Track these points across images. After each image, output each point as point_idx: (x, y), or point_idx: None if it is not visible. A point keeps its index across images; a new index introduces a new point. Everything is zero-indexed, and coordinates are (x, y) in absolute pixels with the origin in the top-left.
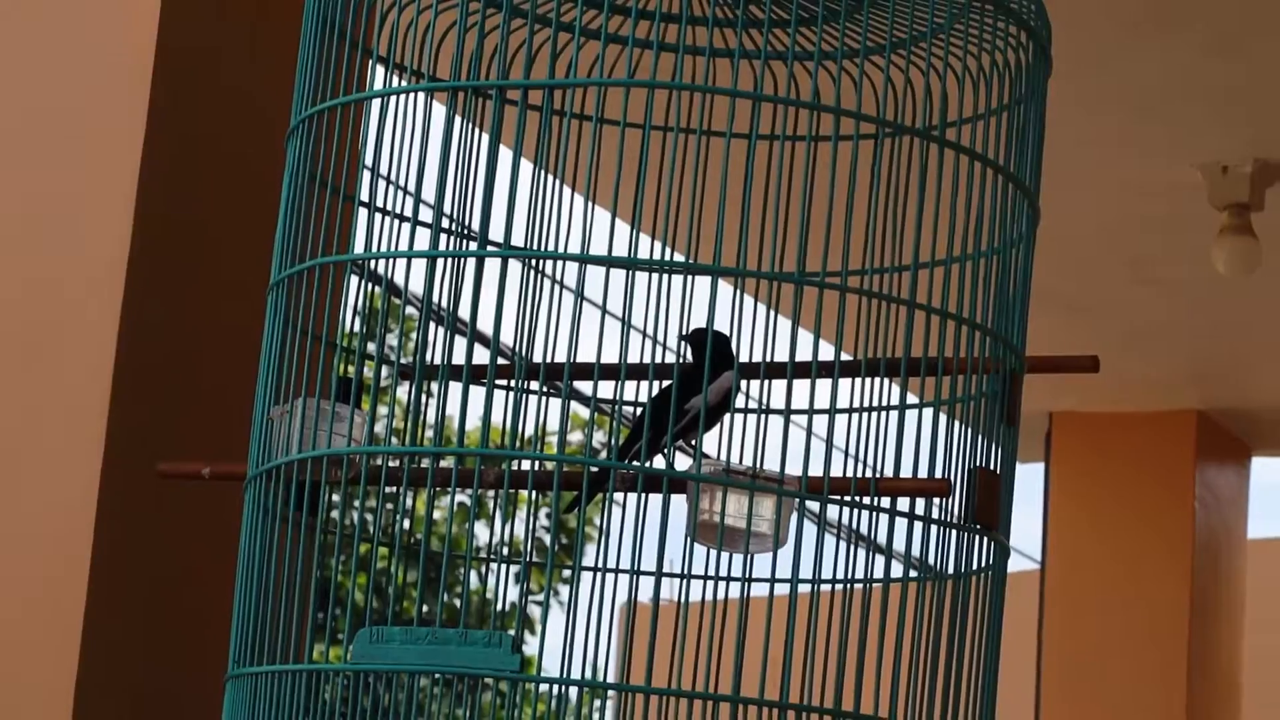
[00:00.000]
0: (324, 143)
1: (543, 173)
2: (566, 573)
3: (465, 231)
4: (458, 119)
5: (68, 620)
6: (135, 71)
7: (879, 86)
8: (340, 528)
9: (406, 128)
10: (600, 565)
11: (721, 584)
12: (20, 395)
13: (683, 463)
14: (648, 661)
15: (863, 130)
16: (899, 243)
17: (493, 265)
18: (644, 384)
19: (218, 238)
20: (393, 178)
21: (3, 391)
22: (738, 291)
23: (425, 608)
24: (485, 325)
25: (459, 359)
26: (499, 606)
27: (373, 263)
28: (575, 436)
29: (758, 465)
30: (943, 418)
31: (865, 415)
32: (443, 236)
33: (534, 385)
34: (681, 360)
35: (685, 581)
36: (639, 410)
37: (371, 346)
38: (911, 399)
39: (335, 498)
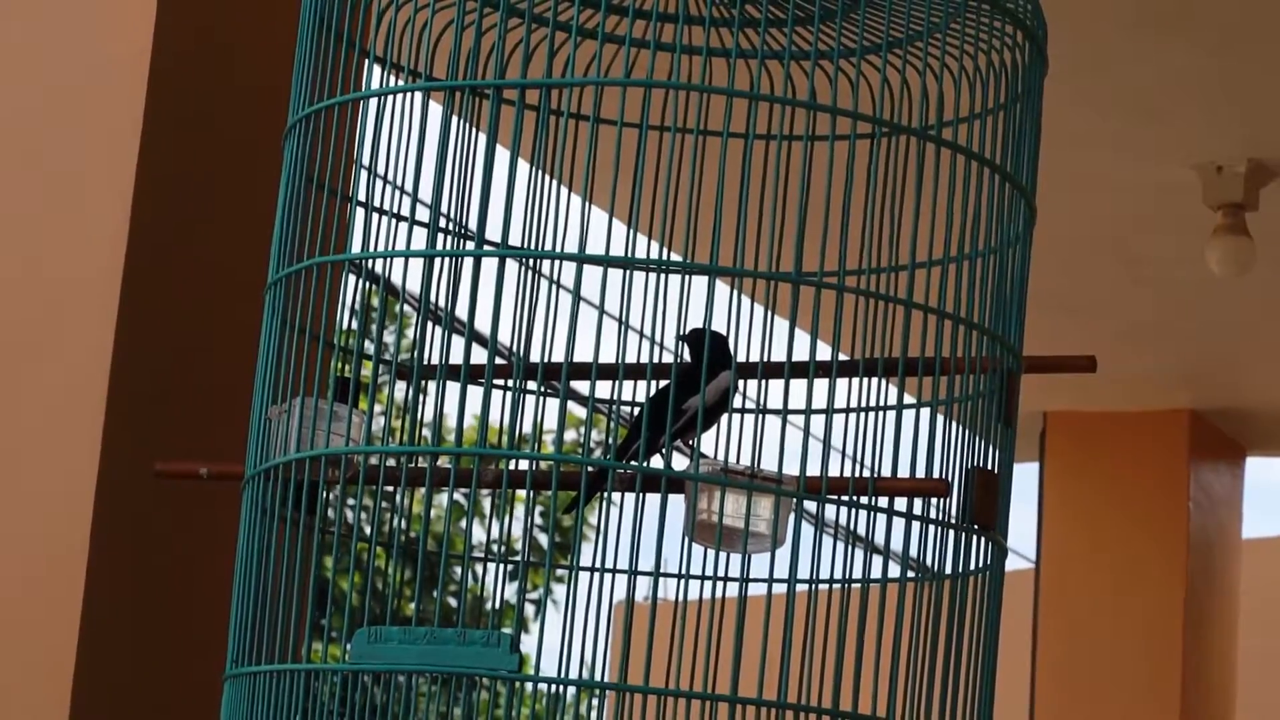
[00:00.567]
0: (321, 142)
1: (540, 172)
2: (563, 572)
3: (462, 231)
4: (455, 118)
5: (65, 620)
6: (132, 70)
7: (876, 86)
8: (338, 527)
9: (403, 127)
10: (598, 565)
11: (719, 584)
12: (17, 395)
13: (681, 462)
14: (645, 661)
15: (860, 130)
16: (896, 242)
17: (490, 265)
18: (642, 384)
19: (215, 237)
20: (390, 177)
21: None
22: (735, 291)
23: (421, 607)
24: (483, 325)
25: (457, 359)
26: (493, 605)
27: (370, 262)
28: (571, 436)
29: (756, 465)
30: (940, 417)
31: (863, 415)
32: (440, 236)
33: (531, 385)
34: (679, 360)
35: (683, 581)
36: (637, 410)
37: (370, 346)
38: (909, 399)
39: (333, 497)
